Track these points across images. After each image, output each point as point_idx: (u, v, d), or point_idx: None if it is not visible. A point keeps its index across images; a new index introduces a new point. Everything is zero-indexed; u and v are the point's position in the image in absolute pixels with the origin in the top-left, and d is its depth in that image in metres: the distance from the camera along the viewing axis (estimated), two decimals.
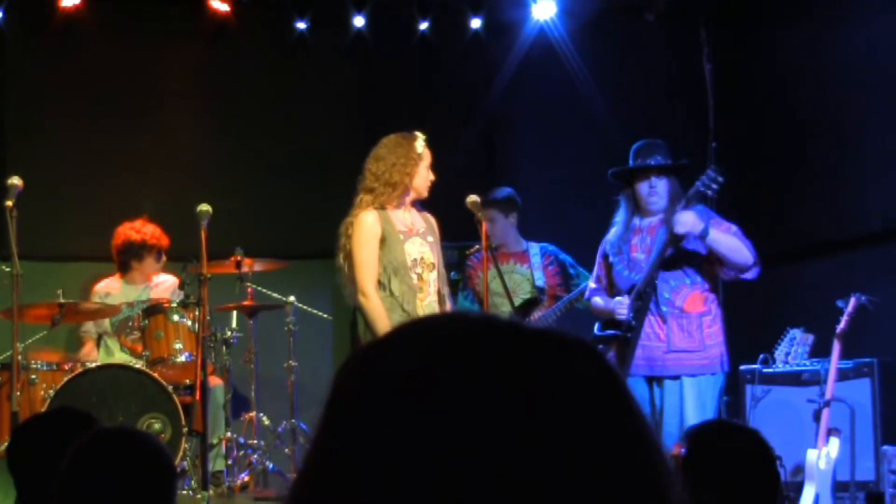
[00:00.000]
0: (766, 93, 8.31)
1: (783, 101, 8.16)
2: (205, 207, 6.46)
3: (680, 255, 5.99)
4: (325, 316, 7.92)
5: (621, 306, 6.04)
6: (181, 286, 7.32)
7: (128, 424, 5.98)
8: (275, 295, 7.59)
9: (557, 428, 0.85)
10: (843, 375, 6.41)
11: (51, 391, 6.32)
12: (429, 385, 0.86)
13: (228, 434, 6.92)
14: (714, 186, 5.89)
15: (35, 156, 8.12)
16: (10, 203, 6.05)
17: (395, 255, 5.64)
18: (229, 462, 6.89)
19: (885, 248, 7.37)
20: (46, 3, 8.13)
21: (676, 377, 5.98)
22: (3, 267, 6.30)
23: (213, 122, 8.67)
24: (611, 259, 6.20)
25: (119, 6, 8.50)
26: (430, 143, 5.81)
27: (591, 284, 6.42)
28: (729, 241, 5.90)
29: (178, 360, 6.72)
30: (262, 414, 7.30)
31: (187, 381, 6.73)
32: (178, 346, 6.72)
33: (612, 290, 6.25)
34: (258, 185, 8.58)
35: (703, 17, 8.64)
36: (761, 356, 6.91)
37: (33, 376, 6.40)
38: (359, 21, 8.54)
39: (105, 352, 7.34)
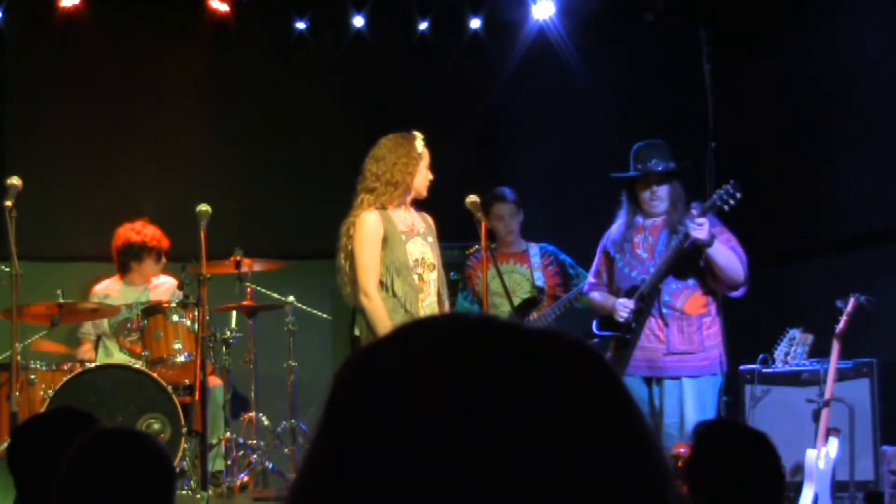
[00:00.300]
0: (765, 93, 8.30)
1: (782, 101, 8.15)
2: (204, 207, 6.46)
3: (682, 258, 5.99)
4: (325, 316, 7.92)
5: (624, 308, 6.04)
6: (180, 286, 7.32)
7: (127, 425, 5.98)
8: (274, 295, 7.59)
9: (556, 429, 0.85)
10: (842, 375, 6.41)
11: (50, 391, 6.32)
12: (428, 386, 0.86)
13: (228, 434, 6.92)
14: (731, 202, 5.90)
15: (34, 156, 8.12)
16: (9, 203, 6.04)
17: (398, 255, 5.63)
18: (229, 462, 6.89)
19: (884, 248, 7.37)
20: (46, 2, 8.13)
21: (676, 378, 5.98)
22: (3, 267, 6.30)
23: (212, 123, 8.67)
24: (612, 255, 6.21)
25: (118, 6, 8.49)
26: (429, 143, 5.82)
27: (591, 279, 6.42)
28: (727, 257, 5.92)
29: (178, 360, 6.72)
30: (261, 414, 7.30)
31: (187, 381, 6.72)
32: (178, 346, 6.71)
33: (611, 286, 6.26)
34: (257, 185, 8.58)
35: (703, 18, 8.64)
36: (761, 356, 6.91)
37: (32, 376, 6.40)
38: (358, 21, 8.54)
39: (104, 353, 7.34)
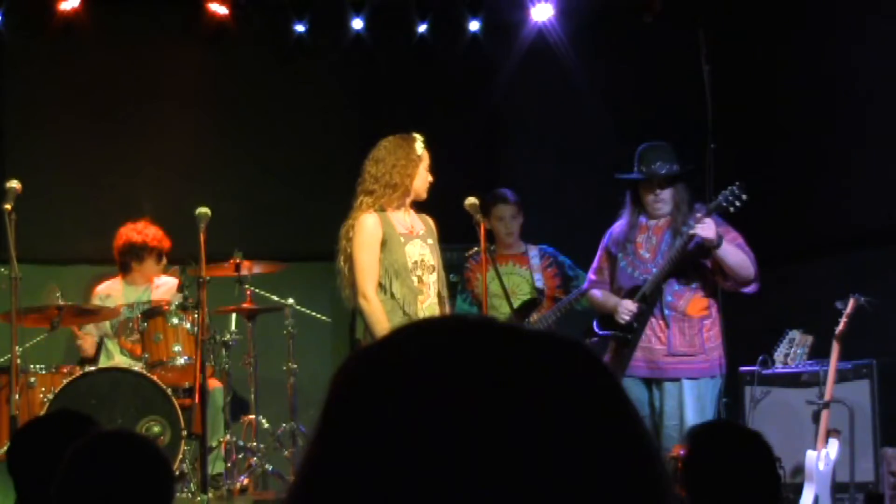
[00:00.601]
0: (764, 94, 8.31)
1: (781, 101, 8.16)
2: (203, 210, 6.46)
3: (686, 259, 5.99)
4: (325, 318, 7.92)
5: (626, 311, 6.03)
6: (180, 288, 7.32)
7: (126, 427, 5.98)
8: (274, 297, 7.59)
9: (554, 430, 0.85)
10: (842, 377, 6.41)
11: (50, 394, 6.32)
12: (426, 388, 0.87)
13: (227, 437, 6.91)
14: (737, 204, 5.90)
15: (34, 159, 8.12)
16: (8, 206, 6.05)
17: (397, 257, 5.63)
18: (228, 465, 6.88)
19: (883, 249, 7.37)
20: (45, 5, 8.13)
21: (676, 379, 5.98)
22: (2, 270, 6.30)
23: (211, 125, 8.67)
24: (615, 253, 6.20)
25: (117, 9, 8.49)
26: (428, 145, 5.81)
27: (591, 276, 6.40)
28: (736, 256, 5.92)
29: (178, 362, 6.72)
30: (261, 416, 7.30)
31: (186, 383, 6.72)
32: (177, 348, 6.71)
33: (612, 284, 6.25)
34: (257, 187, 8.58)
35: (701, 18, 8.64)
36: (760, 357, 6.91)
37: (32, 379, 6.40)
38: (357, 23, 8.54)
39: (105, 355, 7.34)
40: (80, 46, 8.29)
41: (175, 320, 6.74)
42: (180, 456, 6.32)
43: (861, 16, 7.56)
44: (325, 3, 8.59)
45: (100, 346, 7.45)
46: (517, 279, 7.25)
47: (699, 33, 8.57)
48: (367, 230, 5.61)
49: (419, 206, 5.89)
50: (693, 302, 6.03)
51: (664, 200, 6.10)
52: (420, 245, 5.73)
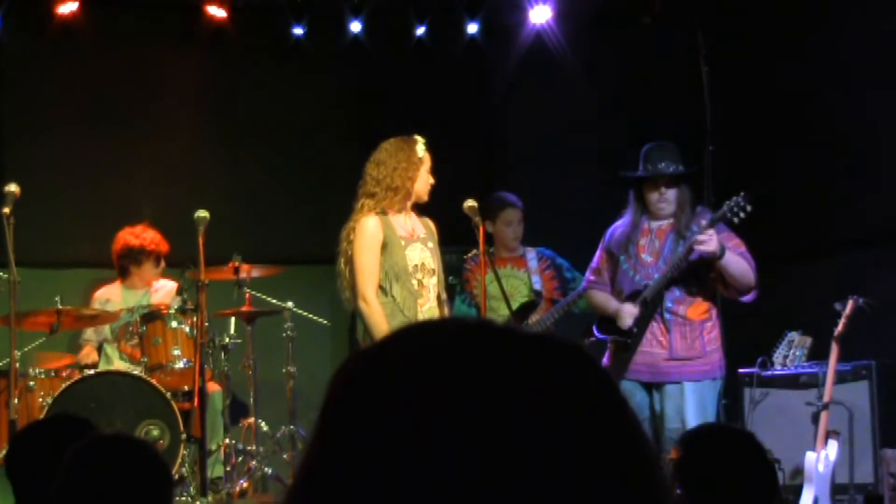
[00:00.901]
0: (763, 95, 8.31)
1: (780, 103, 8.16)
2: (202, 213, 6.46)
3: (688, 266, 5.98)
4: (324, 321, 7.91)
5: (629, 316, 6.01)
6: (179, 292, 7.32)
7: (124, 431, 5.97)
8: (273, 301, 7.59)
9: (551, 432, 0.85)
10: (841, 378, 6.41)
11: (49, 398, 6.32)
12: (424, 390, 0.87)
13: (227, 440, 6.91)
14: (741, 215, 5.87)
15: (32, 162, 8.11)
16: (7, 210, 6.05)
17: (397, 260, 5.63)
18: (228, 468, 6.88)
19: (882, 250, 7.37)
20: (44, 9, 8.13)
21: (677, 382, 5.97)
22: (1, 274, 6.30)
23: (210, 128, 8.67)
24: (616, 255, 6.17)
25: (116, 12, 8.49)
26: (427, 148, 5.81)
27: (590, 275, 6.36)
28: (739, 265, 5.90)
29: (177, 366, 6.71)
30: (260, 420, 7.30)
31: (185, 387, 6.72)
32: (177, 352, 6.71)
33: (612, 285, 6.23)
34: (256, 190, 8.58)
35: (700, 20, 8.65)
36: (759, 359, 6.91)
37: (31, 383, 6.39)
38: (355, 26, 8.54)
39: (105, 360, 7.34)
40: (78, 50, 8.29)
41: (174, 324, 6.74)
42: (179, 459, 6.32)
43: (860, 17, 7.57)
44: (324, 5, 8.59)
45: (98, 351, 7.45)
46: (515, 282, 7.26)
47: (698, 35, 8.58)
48: (368, 233, 5.61)
49: (420, 209, 5.89)
50: (694, 306, 6.02)
51: (668, 200, 6.06)
52: (421, 248, 5.73)
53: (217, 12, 8.36)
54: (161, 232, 7.55)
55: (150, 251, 7.44)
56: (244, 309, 7.27)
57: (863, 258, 7.48)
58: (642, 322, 6.01)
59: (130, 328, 7.00)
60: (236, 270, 7.14)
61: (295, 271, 7.78)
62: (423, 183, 5.75)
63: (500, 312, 6.68)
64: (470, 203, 5.97)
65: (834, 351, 6.21)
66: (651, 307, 6.01)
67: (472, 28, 8.67)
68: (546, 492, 0.84)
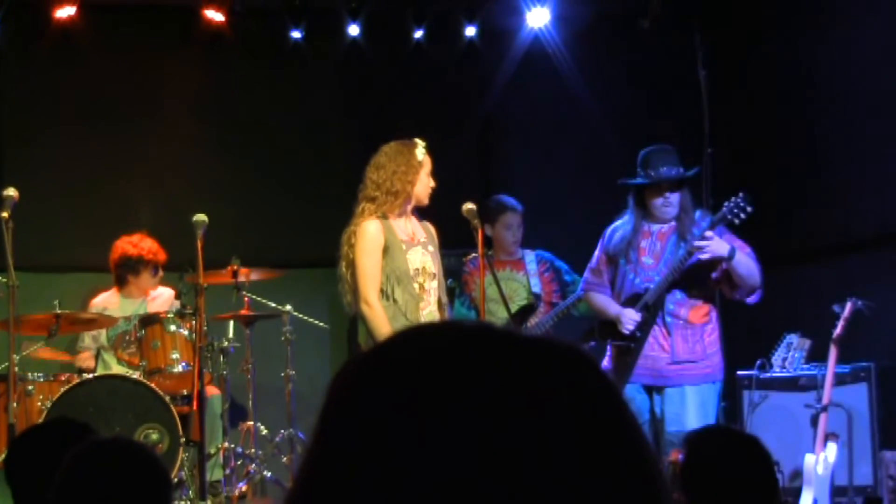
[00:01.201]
0: (760, 98, 8.32)
1: (778, 106, 8.17)
2: (201, 217, 6.45)
3: (686, 269, 5.97)
4: (322, 325, 7.91)
5: (630, 320, 6.00)
6: (178, 296, 7.31)
7: (123, 435, 5.97)
8: (271, 304, 7.59)
9: (552, 435, 0.85)
10: (840, 380, 6.41)
11: (48, 402, 6.31)
12: (424, 392, 0.87)
13: (226, 444, 6.91)
14: (742, 216, 5.85)
15: (31, 166, 8.12)
16: (5, 214, 6.04)
17: (398, 264, 5.63)
18: (227, 472, 6.88)
19: (881, 252, 7.37)
20: (42, 13, 8.13)
21: (678, 385, 5.97)
22: (0, 278, 6.30)
23: (208, 132, 8.67)
24: (617, 258, 6.15)
25: (114, 16, 8.50)
26: (427, 151, 5.81)
27: (588, 277, 6.33)
28: (749, 265, 5.89)
29: (175, 370, 6.71)
30: (259, 423, 7.30)
31: (184, 390, 6.71)
32: (175, 356, 6.71)
33: (612, 287, 6.21)
34: (254, 194, 8.59)
35: (698, 23, 8.66)
36: (758, 361, 6.91)
37: (30, 387, 6.39)
38: (353, 30, 8.55)
39: (103, 367, 7.33)
40: (76, 54, 8.29)
41: (173, 327, 6.74)
42: (179, 463, 6.32)
43: (859, 22, 7.57)
44: (322, 9, 8.59)
45: (96, 358, 7.45)
46: (514, 284, 7.26)
47: (696, 39, 8.59)
48: (369, 236, 5.62)
49: (419, 212, 5.89)
50: (695, 309, 6.02)
51: (672, 204, 6.03)
52: (421, 252, 5.74)
53: (215, 16, 8.36)
54: (159, 236, 7.54)
55: (147, 260, 7.43)
56: (243, 312, 7.27)
57: (861, 260, 7.48)
58: (645, 326, 6.00)
59: (127, 337, 6.99)
60: (235, 274, 7.14)
61: (293, 275, 7.78)
62: (424, 186, 5.75)
63: (498, 315, 6.68)
64: (469, 206, 5.97)
65: (833, 353, 6.21)
66: (653, 311, 5.99)
67: (471, 31, 8.67)
68: (546, 494, 0.84)
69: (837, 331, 6.22)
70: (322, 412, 0.91)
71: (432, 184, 5.78)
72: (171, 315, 6.81)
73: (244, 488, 6.92)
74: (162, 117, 8.50)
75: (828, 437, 6.15)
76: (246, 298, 7.28)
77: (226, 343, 7.13)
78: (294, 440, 7.27)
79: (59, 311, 6.51)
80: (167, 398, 6.44)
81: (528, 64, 8.69)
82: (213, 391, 7.04)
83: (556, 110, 8.68)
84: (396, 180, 5.68)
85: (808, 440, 6.22)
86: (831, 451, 6.11)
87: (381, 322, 5.52)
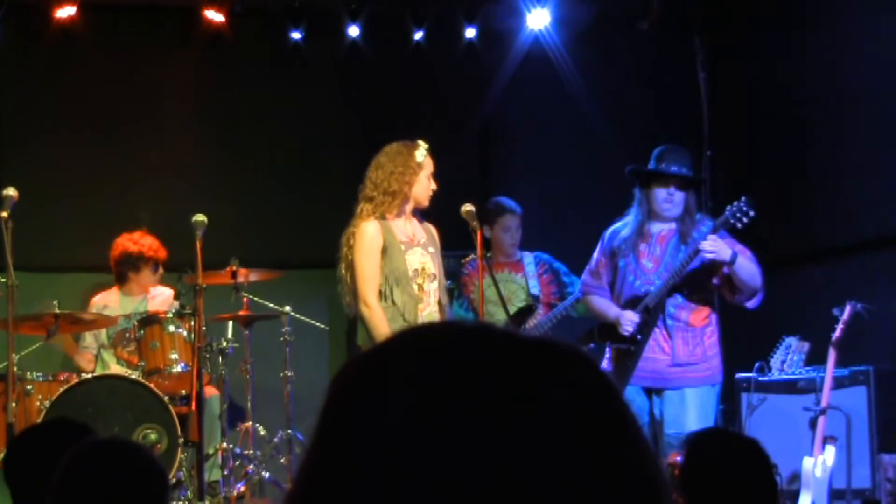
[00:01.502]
0: (760, 100, 8.32)
1: (777, 108, 8.17)
2: (200, 218, 6.45)
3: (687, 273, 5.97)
4: (321, 326, 7.91)
5: (629, 323, 5.99)
6: (177, 296, 7.31)
7: (121, 435, 5.97)
8: (270, 305, 7.59)
9: (552, 435, 0.85)
10: (838, 383, 6.41)
11: (47, 402, 6.31)
12: (424, 393, 0.87)
13: (224, 444, 6.91)
14: (744, 220, 5.84)
15: (30, 166, 8.12)
16: (5, 214, 6.04)
17: (397, 265, 5.64)
18: (225, 472, 6.88)
19: (880, 255, 7.37)
20: (41, 13, 8.13)
21: (678, 387, 5.97)
22: None
23: (208, 132, 8.67)
24: (617, 260, 6.14)
25: (114, 17, 8.50)
26: (429, 153, 5.81)
27: (587, 278, 6.32)
28: (750, 269, 5.89)
29: (174, 370, 6.71)
30: (258, 424, 7.29)
31: (183, 391, 6.72)
32: (174, 356, 6.71)
33: (612, 290, 6.21)
34: (253, 194, 8.59)
35: (697, 25, 8.67)
36: (757, 364, 6.91)
37: (29, 387, 6.39)
38: (353, 31, 8.55)
39: (101, 365, 7.33)
40: (76, 54, 8.29)
41: (172, 328, 6.74)
42: (177, 463, 6.32)
43: (858, 24, 7.57)
44: (321, 10, 8.59)
45: (96, 357, 7.45)
46: (513, 286, 7.27)
47: (695, 41, 8.60)
48: (367, 237, 5.63)
49: (422, 215, 5.89)
50: (695, 312, 6.02)
51: (676, 202, 6.00)
52: (421, 253, 5.74)
53: (215, 17, 8.37)
54: (159, 236, 7.54)
55: (148, 257, 7.44)
56: (242, 313, 7.27)
57: (860, 263, 7.48)
58: (646, 329, 5.99)
59: (127, 334, 7.00)
60: (234, 274, 7.14)
61: (292, 275, 7.78)
62: (423, 188, 5.75)
63: (497, 317, 6.68)
64: (467, 207, 5.98)
65: (832, 356, 6.21)
66: (653, 314, 5.99)
67: (470, 33, 8.68)
68: (547, 494, 0.84)
69: (836, 334, 6.22)
70: (322, 413, 0.91)
71: (433, 186, 5.78)
72: (171, 315, 6.81)
73: (242, 489, 6.92)
74: (161, 118, 8.50)
75: (826, 440, 6.15)
76: (245, 299, 7.28)
77: (224, 344, 7.13)
78: (293, 441, 7.27)
79: (58, 311, 6.51)
80: (166, 398, 6.44)
81: (528, 65, 8.69)
82: (211, 392, 7.04)
83: (555, 112, 8.69)
84: (394, 181, 5.69)
85: (806, 443, 6.22)
86: (830, 454, 6.12)
87: (380, 323, 5.53)
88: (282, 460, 7.28)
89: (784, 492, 6.30)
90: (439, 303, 5.79)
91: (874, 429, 6.49)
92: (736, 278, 5.89)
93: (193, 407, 6.30)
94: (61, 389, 6.32)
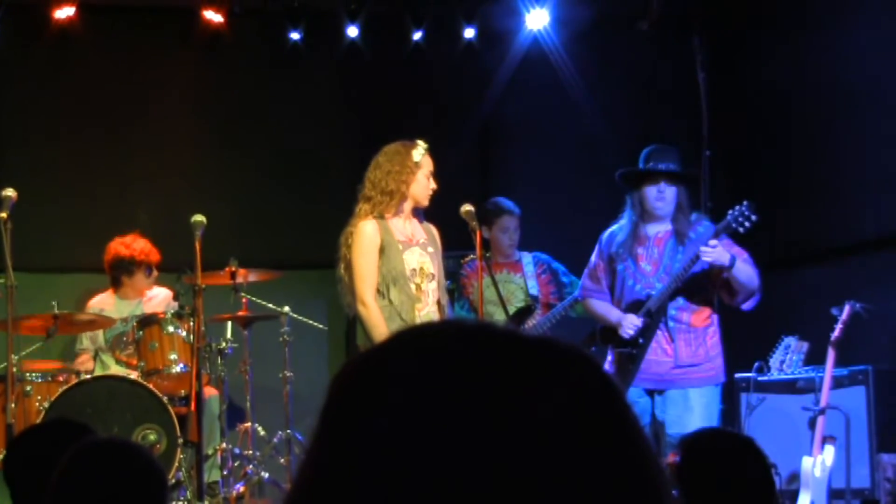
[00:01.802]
0: (759, 101, 8.32)
1: (776, 109, 8.17)
2: (199, 218, 6.45)
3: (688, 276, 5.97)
4: (320, 326, 7.91)
5: (630, 326, 5.99)
6: (175, 297, 7.31)
7: (119, 436, 5.97)
8: (269, 305, 7.59)
9: (553, 434, 0.85)
10: (837, 383, 6.41)
11: (46, 403, 6.31)
12: (425, 392, 0.87)
13: (224, 445, 6.91)
14: (746, 224, 5.83)
15: (29, 167, 8.11)
16: (4, 215, 6.04)
17: (394, 264, 5.64)
18: (225, 473, 6.88)
19: (879, 255, 7.37)
20: (40, 14, 8.13)
21: (681, 388, 5.97)
22: None
23: (207, 133, 8.67)
24: (615, 263, 6.14)
25: (113, 17, 8.50)
26: (428, 153, 5.80)
27: (586, 282, 6.31)
28: (748, 272, 5.90)
29: (173, 370, 6.71)
30: (257, 424, 7.29)
31: (182, 391, 6.72)
32: (173, 356, 6.71)
33: (612, 294, 6.21)
34: (252, 195, 8.59)
35: (697, 26, 8.67)
36: (756, 364, 6.91)
37: (28, 388, 6.39)
38: (352, 31, 8.54)
39: (100, 367, 7.32)
40: (75, 55, 8.29)
41: (171, 328, 6.74)
42: (176, 464, 6.32)
43: (859, 25, 7.57)
44: (320, 10, 8.59)
45: (94, 359, 7.45)
46: (512, 286, 7.27)
47: (695, 41, 8.60)
48: (365, 237, 5.63)
49: (421, 214, 5.89)
50: (697, 313, 6.02)
51: (667, 200, 6.01)
52: (419, 253, 5.74)
53: (214, 17, 8.37)
54: (158, 237, 7.54)
55: (140, 261, 7.43)
56: (241, 313, 7.27)
57: (859, 263, 7.48)
58: (648, 333, 5.99)
59: (125, 338, 6.99)
60: (233, 275, 7.14)
61: (292, 276, 7.78)
62: (422, 188, 5.75)
63: (496, 317, 6.68)
64: (467, 208, 5.98)
65: (831, 356, 6.22)
66: (655, 317, 5.99)
67: (469, 33, 8.67)
68: (548, 494, 0.84)
69: (835, 334, 6.22)
70: (321, 413, 0.91)
71: (433, 185, 5.78)
72: (170, 316, 6.81)
73: (242, 489, 6.92)
74: (161, 118, 8.50)
75: (825, 439, 6.15)
76: (244, 299, 7.28)
77: (224, 344, 7.13)
78: (292, 441, 7.27)
79: (57, 312, 6.51)
80: (165, 399, 6.44)
81: (527, 66, 8.69)
82: (210, 392, 7.04)
83: (554, 112, 8.68)
84: (391, 180, 5.69)
85: (805, 443, 6.22)
86: (829, 453, 6.12)
87: (378, 322, 5.53)
88: (281, 461, 7.28)
89: (783, 492, 6.30)
90: (438, 303, 5.79)
91: (873, 428, 6.50)
92: (734, 281, 5.89)
93: (193, 407, 6.30)
94: (60, 390, 6.32)
